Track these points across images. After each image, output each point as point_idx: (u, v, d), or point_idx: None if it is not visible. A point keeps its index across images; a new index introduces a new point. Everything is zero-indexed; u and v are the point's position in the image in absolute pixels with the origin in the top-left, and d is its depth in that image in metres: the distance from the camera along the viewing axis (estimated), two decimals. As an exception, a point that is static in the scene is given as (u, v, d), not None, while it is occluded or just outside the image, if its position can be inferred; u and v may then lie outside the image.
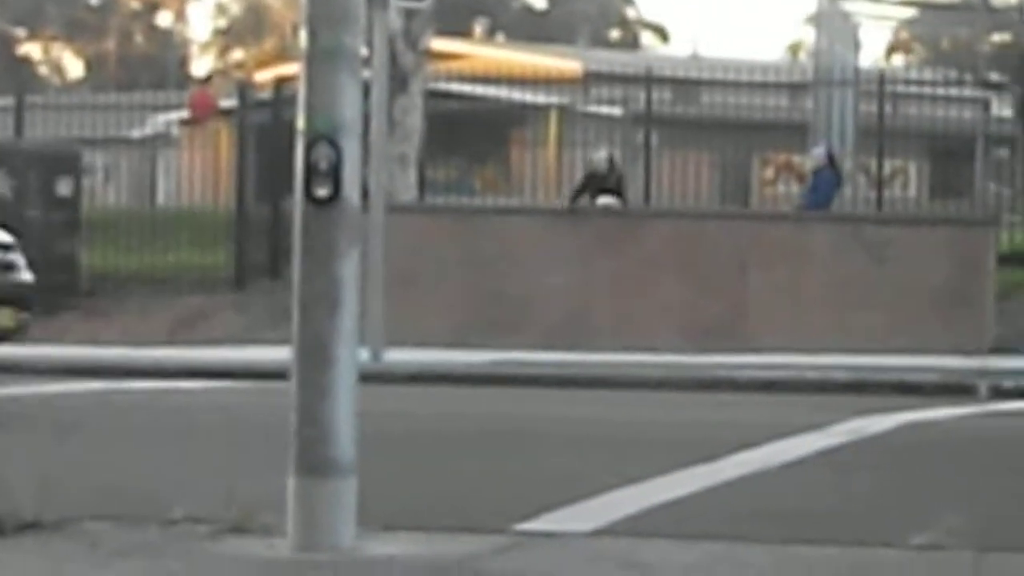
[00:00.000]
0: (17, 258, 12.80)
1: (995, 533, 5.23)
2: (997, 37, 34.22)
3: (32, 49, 59.25)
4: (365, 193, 12.61)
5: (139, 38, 56.94)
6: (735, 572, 4.66)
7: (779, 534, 5.38)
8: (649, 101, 23.92)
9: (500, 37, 47.99)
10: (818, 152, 21.93)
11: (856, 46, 25.18)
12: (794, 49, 41.56)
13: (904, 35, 37.42)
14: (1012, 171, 26.30)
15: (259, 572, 4.54)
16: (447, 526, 5.34)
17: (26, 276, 12.97)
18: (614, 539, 5.48)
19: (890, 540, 5.09)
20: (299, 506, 4.50)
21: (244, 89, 24.83)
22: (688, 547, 5.06)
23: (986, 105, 26.50)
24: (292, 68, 13.24)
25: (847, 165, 22.67)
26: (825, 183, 21.47)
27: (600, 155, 21.57)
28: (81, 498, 5.79)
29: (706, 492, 7.45)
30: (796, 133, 25.27)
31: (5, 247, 12.41)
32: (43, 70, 56.15)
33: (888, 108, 23.46)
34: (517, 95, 28.91)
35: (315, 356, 4.43)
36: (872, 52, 28.71)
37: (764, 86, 27.14)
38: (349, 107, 4.28)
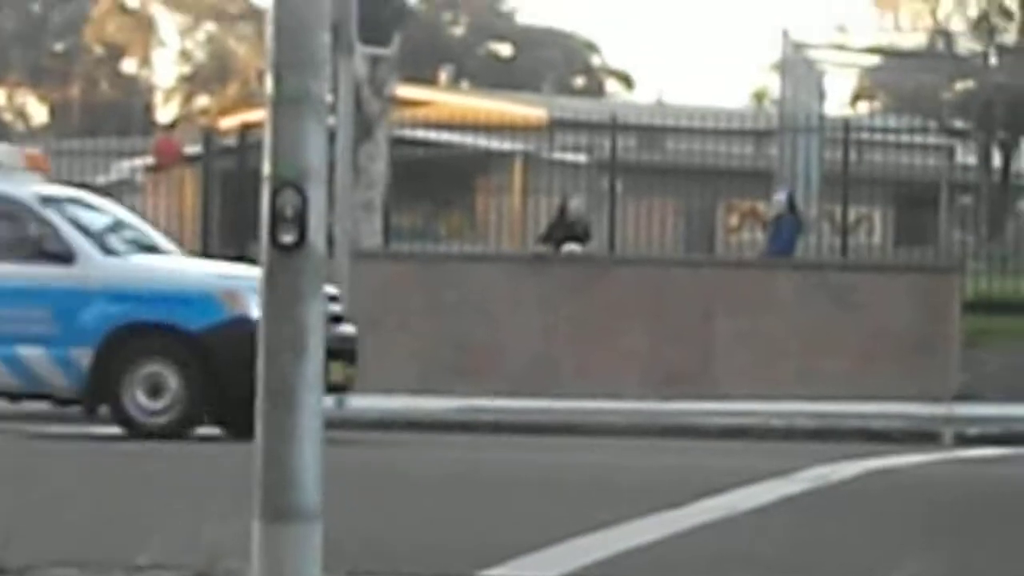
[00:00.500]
0: (341, 310, 13.24)
1: None
2: (960, 85, 34.53)
3: (-5, 95, 59.76)
4: (330, 240, 12.74)
5: (104, 84, 56.93)
6: None
7: None
8: (614, 148, 23.63)
9: (465, 84, 48.15)
10: (779, 199, 22.19)
11: (821, 94, 25.58)
12: (759, 96, 42.10)
13: (868, 82, 37.86)
14: (976, 218, 26.69)
15: None
16: (412, 571, 5.38)
17: (350, 329, 13.34)
18: None
19: None
20: (263, 551, 4.73)
21: (209, 135, 25.22)
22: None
23: (950, 152, 27.09)
24: (257, 115, 13.31)
25: (812, 212, 23.13)
26: (787, 229, 21.63)
27: (575, 202, 21.80)
28: (46, 541, 5.84)
29: (672, 538, 7.30)
30: (761, 180, 25.00)
31: (332, 298, 12.43)
32: (7, 116, 56.21)
33: (853, 155, 23.61)
34: (482, 142, 28.64)
35: (280, 401, 4.67)
36: (837, 99, 28.98)
37: (729, 133, 26.95)
38: (315, 154, 4.45)
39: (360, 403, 16.72)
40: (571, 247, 21.49)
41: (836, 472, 11.65)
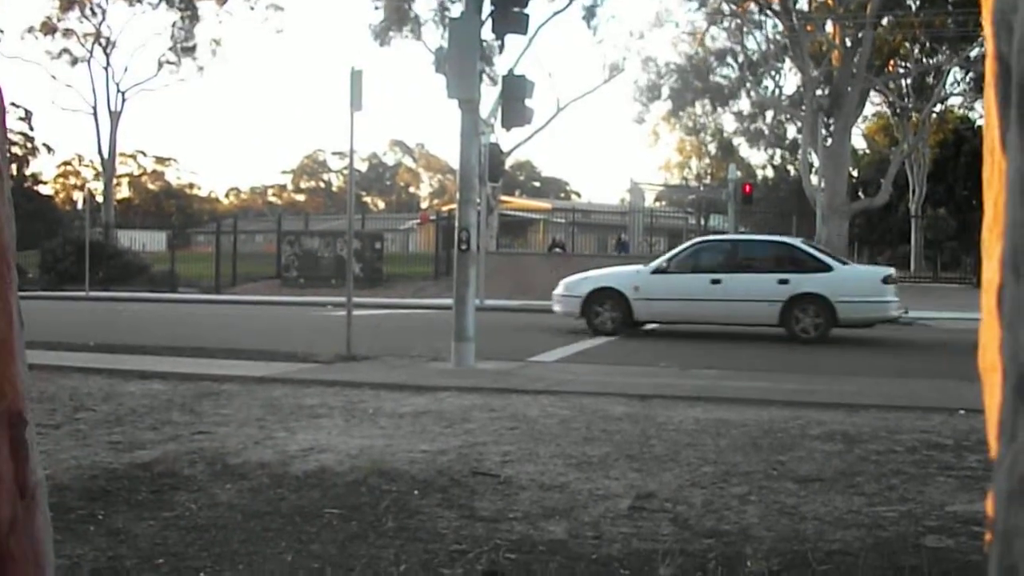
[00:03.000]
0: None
1: (692, 364, 17.29)
2: (691, 196, 58.65)
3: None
4: (477, 248, 17.92)
5: (402, 195, 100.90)
6: (610, 371, 16.53)
7: (617, 361, 18.93)
8: (574, 220, 45.85)
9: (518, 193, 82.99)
10: (624, 237, 42.01)
11: (643, 199, 45.52)
12: (623, 199, 66.17)
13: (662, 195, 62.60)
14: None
15: (441, 373, 12.64)
16: (505, 358, 14.36)
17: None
18: (562, 363, 15.06)
19: (652, 363, 18.16)
20: (455, 351, 13.33)
21: (438, 212, 48.66)
22: (588, 365, 15.39)
23: (687, 219, 50.22)
24: (454, 206, 18.32)
25: (638, 240, 42.73)
26: (625, 247, 42.20)
27: (559, 236, 42.35)
28: (381, 349, 16.05)
29: (592, 347, 17.94)
30: (624, 230, 46.62)
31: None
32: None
33: (651, 220, 44.27)
34: (526, 214, 53.73)
35: (461, 300, 13.51)
36: (648, 201, 51.28)
37: (611, 213, 50.57)
38: (473, 218, 13.48)
39: (488, 302, 27.77)
40: (558, 250, 41.56)
41: (647, 326, 23.70)
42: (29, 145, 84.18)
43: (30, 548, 2.26)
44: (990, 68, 1.60)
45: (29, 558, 2.26)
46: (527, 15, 14.36)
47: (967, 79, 49.98)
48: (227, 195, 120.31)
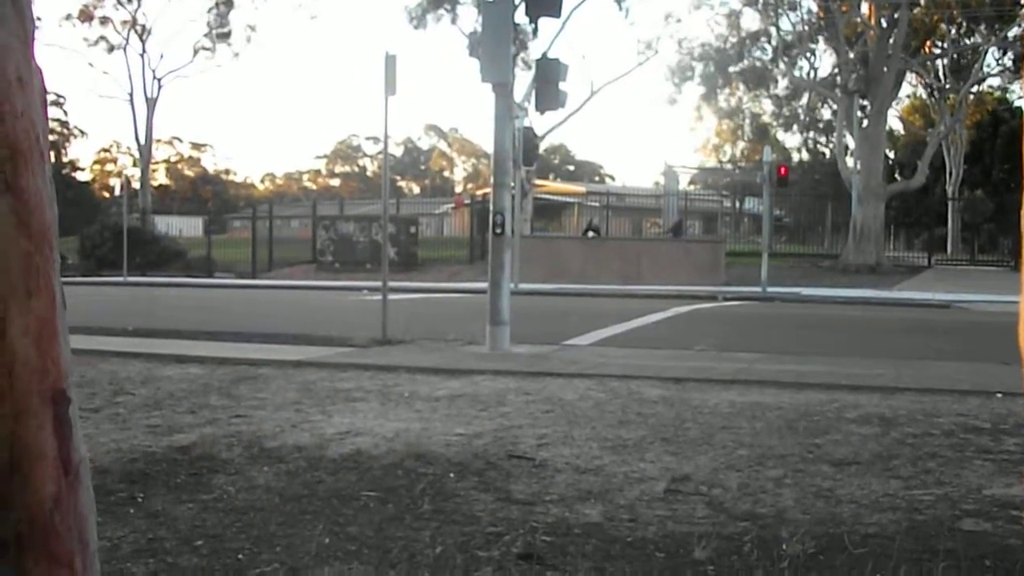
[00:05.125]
0: None
1: (727, 347, 14.20)
2: (726, 180, 59.07)
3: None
4: (512, 231, 17.86)
5: (437, 180, 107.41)
6: (644, 354, 14.39)
7: (650, 344, 15.47)
8: (608, 203, 44.79)
9: (553, 176, 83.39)
10: (673, 219, 42.62)
11: (677, 182, 45.34)
12: (656, 183, 65.93)
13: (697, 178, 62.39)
14: (730, 225, 50.28)
15: (476, 356, 12.78)
16: (540, 342, 14.76)
17: None
18: (596, 346, 14.99)
19: (687, 347, 14.42)
20: (490, 335, 13.69)
21: (473, 197, 49.27)
22: (622, 349, 14.87)
23: (722, 202, 51.08)
24: (489, 189, 16.51)
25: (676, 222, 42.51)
26: (675, 230, 41.37)
27: (595, 219, 42.06)
28: (416, 333, 16.09)
29: (625, 331, 17.08)
30: (658, 213, 47.61)
31: None
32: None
33: (684, 203, 44.02)
34: (562, 198, 54.14)
35: (496, 284, 13.91)
36: (683, 183, 50.26)
37: (647, 196, 50.91)
38: (508, 202, 13.89)
39: (523, 286, 28.30)
40: (592, 234, 40.35)
41: (681, 310, 21.53)
42: (65, 131, 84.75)
43: (74, 524, 2.31)
44: None
45: (73, 534, 2.30)
46: (560, -2, 14.31)
47: (1005, 59, 49.30)
48: (262, 181, 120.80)
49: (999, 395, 9.79)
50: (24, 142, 2.27)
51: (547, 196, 54.67)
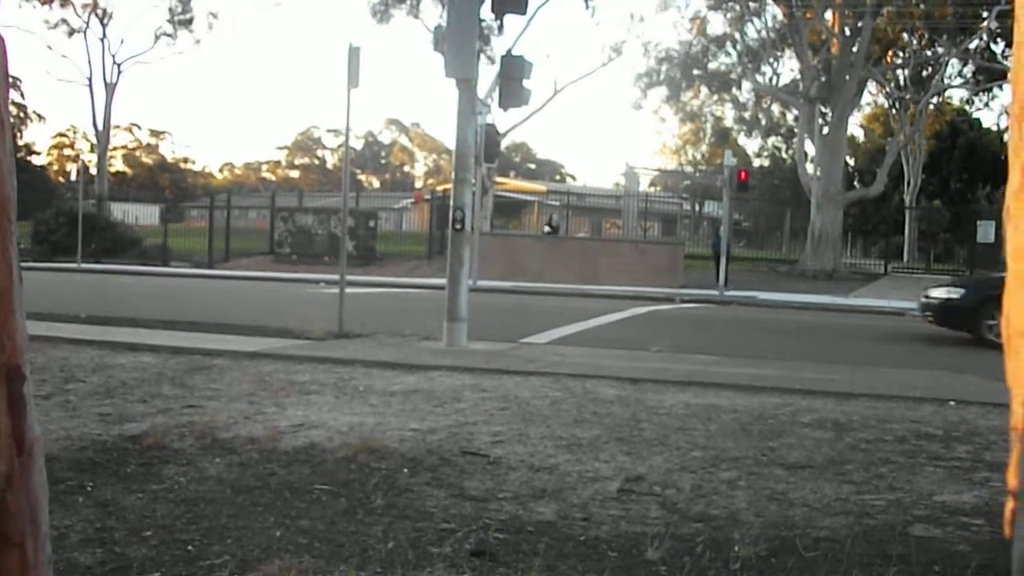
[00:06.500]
0: None
1: (684, 349, 15.54)
2: (685, 182, 58.75)
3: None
4: (471, 227, 17.15)
5: (398, 175, 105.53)
6: (601, 354, 15.19)
7: (608, 344, 16.22)
8: (568, 202, 44.04)
9: (513, 175, 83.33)
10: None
11: (637, 183, 45.33)
12: (618, 183, 66.11)
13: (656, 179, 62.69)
14: (689, 227, 50.48)
15: (433, 352, 13.38)
16: (497, 339, 15.50)
17: None
18: (553, 345, 15.50)
19: (644, 348, 15.16)
20: (447, 331, 14.06)
21: (432, 192, 47.09)
22: (579, 348, 15.56)
23: (682, 204, 51.17)
24: (449, 185, 18.41)
25: (632, 224, 43.11)
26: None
27: (555, 216, 42.39)
28: (373, 327, 16.99)
29: (583, 331, 17.75)
30: (616, 214, 46.63)
31: None
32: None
33: (645, 204, 44.36)
34: (521, 196, 53.96)
35: (454, 280, 14.24)
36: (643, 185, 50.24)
37: (606, 196, 51.18)
38: (468, 198, 14.15)
39: (481, 283, 28.87)
40: (548, 229, 42.11)
41: (639, 310, 21.34)
42: (21, 115, 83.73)
43: (27, 504, 2.26)
44: (1018, 30, 1.60)
45: (25, 514, 2.25)
46: (526, -5, 14.29)
47: (965, 71, 49.79)
48: (221, 170, 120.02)
49: (952, 403, 9.88)
50: (-17, 110, 2.17)
51: (508, 194, 54.75)
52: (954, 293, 17.98)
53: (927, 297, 18.68)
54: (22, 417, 2.25)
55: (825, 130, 40.54)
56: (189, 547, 4.63)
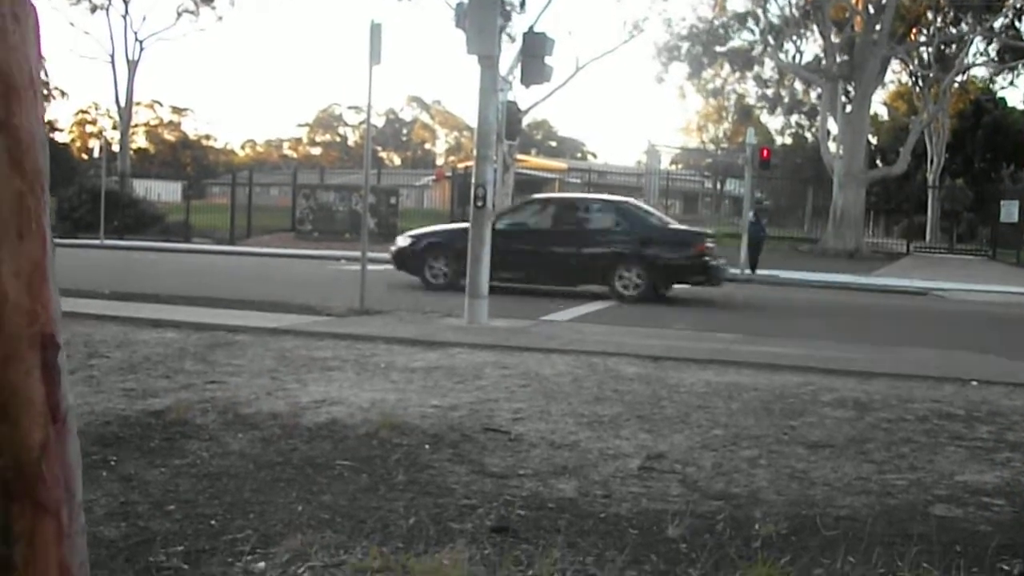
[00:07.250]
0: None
1: (705, 327, 17.43)
2: (707, 160, 58.43)
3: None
4: (493, 205, 16.00)
5: (419, 152, 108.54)
6: (622, 332, 16.56)
7: (629, 322, 17.28)
8: (589, 180, 44.83)
9: (534, 152, 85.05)
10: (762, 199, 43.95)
11: (659, 160, 45.35)
12: (640, 160, 66.26)
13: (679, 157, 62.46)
14: (712, 205, 50.09)
15: (454, 329, 13.11)
16: (518, 316, 15.48)
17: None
18: (574, 322, 15.90)
19: (665, 326, 17.82)
20: (468, 308, 14.02)
21: (454, 169, 47.19)
22: (600, 326, 16.60)
23: (703, 183, 50.91)
24: (471, 162, 17.77)
25: (653, 202, 41.98)
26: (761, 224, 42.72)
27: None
28: (394, 304, 17.81)
29: (603, 309, 19.07)
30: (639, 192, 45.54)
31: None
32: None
33: (667, 183, 44.97)
34: (542, 174, 53.58)
35: (476, 258, 13.98)
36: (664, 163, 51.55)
37: (628, 174, 50.73)
38: (490, 175, 14.06)
39: None
40: None
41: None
42: (44, 91, 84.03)
43: (61, 473, 2.28)
44: None
45: (60, 482, 2.27)
46: (549, -29, 14.16)
47: (989, 50, 49.38)
48: (243, 147, 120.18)
49: (974, 383, 9.85)
50: (19, 78, 2.22)
51: (529, 171, 54.46)
52: (405, 241, 21.08)
53: (393, 245, 21.83)
54: (56, 385, 2.27)
55: (848, 108, 40.38)
56: (212, 521, 4.65)
